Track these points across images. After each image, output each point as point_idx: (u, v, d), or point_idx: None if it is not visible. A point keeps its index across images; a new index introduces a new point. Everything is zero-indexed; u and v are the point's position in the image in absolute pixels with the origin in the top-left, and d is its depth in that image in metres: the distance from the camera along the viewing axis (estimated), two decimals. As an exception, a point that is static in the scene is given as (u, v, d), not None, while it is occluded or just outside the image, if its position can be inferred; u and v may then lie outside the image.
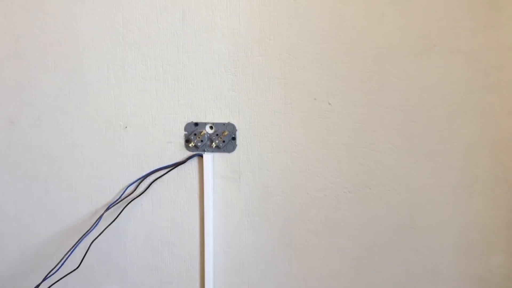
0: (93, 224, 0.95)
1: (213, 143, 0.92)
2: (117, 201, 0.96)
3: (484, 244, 0.90)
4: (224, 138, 0.92)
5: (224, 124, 0.92)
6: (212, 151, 0.93)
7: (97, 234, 0.95)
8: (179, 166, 0.94)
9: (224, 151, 0.93)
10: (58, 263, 0.93)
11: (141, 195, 0.96)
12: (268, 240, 0.95)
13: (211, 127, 0.92)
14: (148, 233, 0.97)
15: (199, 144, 0.93)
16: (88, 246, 0.95)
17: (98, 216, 0.96)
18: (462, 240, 0.91)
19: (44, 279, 0.92)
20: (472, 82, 0.85)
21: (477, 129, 0.87)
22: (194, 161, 0.94)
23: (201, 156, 0.93)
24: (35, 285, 0.93)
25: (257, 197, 0.94)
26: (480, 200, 0.89)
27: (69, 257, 0.95)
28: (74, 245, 0.95)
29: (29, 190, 0.98)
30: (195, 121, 0.93)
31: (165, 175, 0.95)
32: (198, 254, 0.97)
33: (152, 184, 0.95)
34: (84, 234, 0.95)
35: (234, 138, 0.92)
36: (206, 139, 0.92)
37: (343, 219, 0.93)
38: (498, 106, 0.86)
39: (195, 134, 0.92)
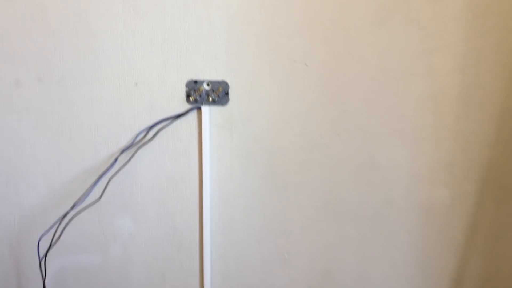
0: (110, 165, 1.14)
1: (210, 98, 1.11)
2: (129, 146, 1.15)
3: (430, 180, 1.11)
4: (219, 94, 1.11)
5: (219, 81, 1.11)
6: (209, 104, 1.12)
7: (113, 173, 1.15)
8: (181, 117, 1.13)
9: (219, 104, 1.12)
10: (82, 195, 1.13)
11: (150, 141, 1.15)
12: (255, 178, 1.15)
13: (208, 84, 1.11)
14: (155, 173, 1.17)
15: (198, 98, 1.11)
16: (106, 183, 1.15)
17: (114, 159, 1.15)
18: (413, 176, 1.11)
19: (71, 208, 1.12)
20: (421, 47, 1.04)
21: (425, 86, 1.06)
22: (194, 113, 1.13)
23: (200, 108, 1.12)
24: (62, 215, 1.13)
25: (246, 142, 1.14)
26: (427, 143, 1.09)
27: (91, 192, 1.14)
28: (95, 181, 1.14)
29: (56, 137, 1.17)
30: (194, 79, 1.11)
31: (170, 124, 1.14)
32: (197, 190, 1.17)
33: (159, 132, 1.14)
34: (103, 173, 1.15)
35: (227, 94, 1.11)
36: (204, 94, 1.11)
37: (317, 161, 1.13)
38: (442, 67, 1.05)
39: (194, 90, 1.11)
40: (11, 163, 1.19)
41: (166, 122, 1.13)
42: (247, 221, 1.17)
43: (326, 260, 1.17)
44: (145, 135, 1.14)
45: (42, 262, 1.15)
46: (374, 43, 1.05)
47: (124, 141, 1.15)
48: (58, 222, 1.14)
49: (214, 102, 1.11)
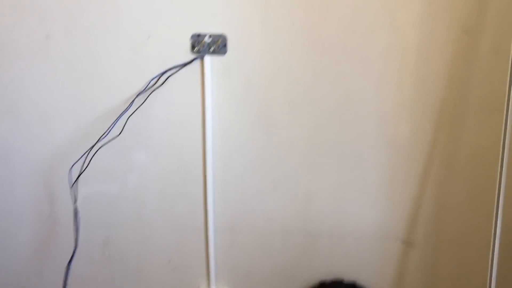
0: (128, 106, 1.35)
1: (211, 49, 1.31)
2: (144, 90, 1.36)
3: (395, 118, 1.32)
4: (218, 45, 1.31)
5: (218, 35, 1.30)
6: (210, 54, 1.31)
7: (131, 114, 1.36)
8: (187, 65, 1.32)
9: (218, 54, 1.31)
10: (104, 132, 1.36)
11: (161, 86, 1.35)
12: (249, 117, 1.35)
13: (209, 37, 1.31)
14: (166, 113, 1.36)
15: (201, 49, 1.31)
16: (124, 122, 1.36)
17: (131, 101, 1.35)
18: (380, 113, 1.30)
19: (96, 142, 1.35)
20: (387, 4, 1.23)
21: (390, 38, 1.25)
22: (198, 62, 1.32)
23: (202, 58, 1.32)
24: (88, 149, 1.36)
25: (241, 87, 1.33)
26: (392, 87, 1.29)
27: (111, 129, 1.36)
28: (115, 120, 1.35)
29: (81, 83, 1.36)
30: (198, 32, 1.31)
31: (177, 72, 1.34)
32: (200, 128, 1.37)
33: (168, 78, 1.34)
34: (122, 113, 1.35)
35: (225, 45, 1.31)
36: (206, 46, 1.31)
37: (301, 103, 1.33)
38: (405, 21, 1.25)
39: (198, 42, 1.31)
40: (44, 106, 1.39)
41: (174, 70, 1.32)
42: (243, 154, 1.38)
43: (308, 186, 1.40)
44: (157, 81, 1.34)
45: (73, 188, 1.38)
46: (347, 1, 1.24)
47: (139, 86, 1.34)
48: (86, 154, 1.36)
49: (214, 52, 1.30)
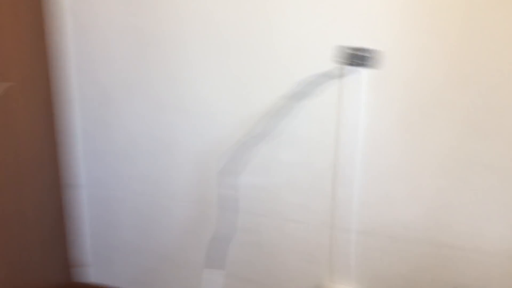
0: (278, 107, 1.47)
1: (359, 62, 1.34)
2: (294, 96, 1.45)
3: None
4: (369, 59, 1.35)
5: (371, 49, 1.34)
6: (361, 67, 1.35)
7: (280, 115, 1.49)
8: (335, 75, 1.39)
9: (369, 68, 1.35)
10: (257, 128, 1.49)
11: (310, 92, 1.43)
12: (393, 126, 1.35)
13: (358, 50, 1.33)
14: (314, 116, 1.44)
15: (348, 62, 1.36)
16: (274, 121, 1.49)
17: (282, 104, 1.47)
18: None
19: (248, 137, 1.50)
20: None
21: None
22: (351, 73, 1.38)
23: (349, 69, 1.36)
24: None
25: (387, 99, 1.33)
26: None
27: (262, 127, 1.50)
28: (267, 118, 1.48)
29: (235, 86, 1.51)
30: (346, 45, 1.34)
31: (329, 80, 1.40)
32: (349, 132, 1.46)
33: (317, 85, 1.41)
34: (272, 112, 1.48)
35: (376, 60, 1.34)
36: (354, 59, 1.34)
37: (446, 114, 1.30)
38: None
39: (346, 55, 1.35)
40: (206, 103, 1.58)
41: (323, 79, 1.41)
42: (385, 161, 1.40)
43: (448, 197, 1.40)
44: (306, 87, 1.44)
45: (223, 177, 1.55)
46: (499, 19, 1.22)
47: (288, 90, 1.45)
48: (237, 147, 1.52)
49: (362, 65, 1.35)
